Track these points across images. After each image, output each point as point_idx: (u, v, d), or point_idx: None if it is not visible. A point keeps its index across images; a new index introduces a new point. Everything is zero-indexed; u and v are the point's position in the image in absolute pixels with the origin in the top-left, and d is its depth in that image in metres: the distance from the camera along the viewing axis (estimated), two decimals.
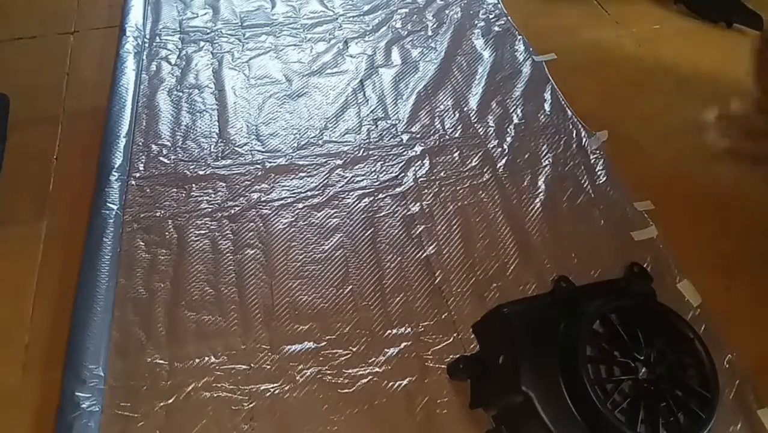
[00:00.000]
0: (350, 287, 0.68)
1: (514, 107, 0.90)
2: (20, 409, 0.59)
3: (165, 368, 0.61)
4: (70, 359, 0.61)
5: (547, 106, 0.90)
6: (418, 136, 0.86)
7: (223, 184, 0.79)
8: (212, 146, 0.84)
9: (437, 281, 0.69)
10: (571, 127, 0.87)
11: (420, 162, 0.82)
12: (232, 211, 0.76)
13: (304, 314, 0.66)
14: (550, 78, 0.95)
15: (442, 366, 0.61)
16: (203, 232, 0.74)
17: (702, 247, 0.73)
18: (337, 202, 0.77)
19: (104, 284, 0.67)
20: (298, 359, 0.62)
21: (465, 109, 0.90)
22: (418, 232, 0.74)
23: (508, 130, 0.87)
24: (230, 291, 0.68)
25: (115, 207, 0.74)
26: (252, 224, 0.75)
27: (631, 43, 1.03)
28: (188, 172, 0.81)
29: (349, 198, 0.77)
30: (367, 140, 0.85)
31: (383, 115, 0.89)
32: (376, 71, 0.97)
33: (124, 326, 0.64)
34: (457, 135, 0.86)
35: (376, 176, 0.80)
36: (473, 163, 0.82)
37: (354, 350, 0.63)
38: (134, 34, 1.01)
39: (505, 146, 0.84)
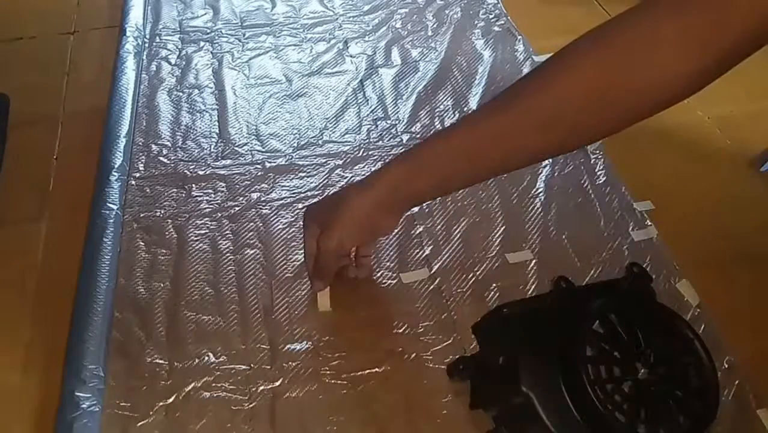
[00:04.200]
0: (350, 287, 0.68)
1: None
2: (20, 409, 0.59)
3: (165, 368, 0.61)
4: (70, 359, 0.61)
5: None
6: (418, 136, 0.86)
7: (223, 185, 0.79)
8: (212, 146, 0.84)
9: (437, 281, 0.69)
10: None
11: None
12: (232, 211, 0.76)
13: (304, 314, 0.66)
14: None
15: (442, 366, 0.61)
16: (203, 232, 0.74)
17: (702, 247, 0.73)
18: None
19: (104, 284, 0.67)
20: (298, 359, 0.62)
21: (465, 109, 0.90)
22: (418, 232, 0.74)
23: None
24: (230, 291, 0.68)
25: (115, 207, 0.74)
26: (252, 224, 0.75)
27: None
28: (188, 172, 0.81)
29: None
30: (367, 140, 0.85)
31: (383, 115, 0.89)
32: (376, 71, 0.97)
33: (124, 326, 0.64)
34: None
35: None
36: None
37: (354, 350, 0.63)
38: (134, 34, 1.01)
39: None
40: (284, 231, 0.74)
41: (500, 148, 0.50)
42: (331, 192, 0.78)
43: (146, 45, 1.01)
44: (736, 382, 0.61)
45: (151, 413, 0.58)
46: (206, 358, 0.62)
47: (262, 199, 0.78)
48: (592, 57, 0.47)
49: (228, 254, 0.71)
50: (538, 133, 0.48)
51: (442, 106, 0.91)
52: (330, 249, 0.58)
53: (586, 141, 0.60)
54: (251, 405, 0.59)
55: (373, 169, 0.81)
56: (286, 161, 0.82)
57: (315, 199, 0.77)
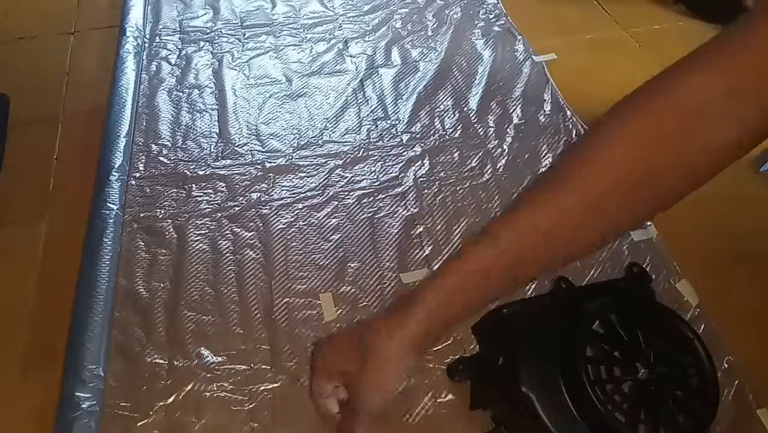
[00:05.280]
0: (350, 287, 0.68)
1: (514, 107, 0.90)
2: (20, 409, 0.59)
3: (165, 368, 0.61)
4: (70, 359, 0.61)
5: (547, 106, 0.90)
6: (418, 136, 0.86)
7: (223, 185, 0.79)
8: (212, 146, 0.84)
9: None
10: (571, 127, 0.87)
11: (420, 162, 0.82)
12: (232, 212, 0.76)
13: (303, 314, 0.66)
14: (550, 78, 0.95)
15: (442, 366, 0.61)
16: (203, 232, 0.74)
17: (701, 247, 0.73)
18: (336, 202, 0.77)
19: (104, 284, 0.67)
20: (298, 359, 0.62)
21: (465, 109, 0.90)
22: (418, 232, 0.74)
23: (508, 130, 0.87)
24: (230, 291, 0.68)
25: (115, 207, 0.74)
26: (252, 224, 0.75)
27: (631, 43, 1.03)
28: (188, 172, 0.81)
29: (349, 198, 0.77)
30: (367, 140, 0.85)
31: (383, 115, 0.89)
32: (376, 71, 0.97)
33: (124, 326, 0.64)
34: (457, 135, 0.86)
35: (376, 176, 0.80)
36: (473, 164, 0.82)
37: None
38: (134, 34, 1.01)
39: (505, 146, 0.84)
40: (284, 231, 0.74)
41: (551, 246, 0.42)
42: (331, 192, 0.78)
43: (146, 45, 1.01)
44: (736, 382, 0.61)
45: (151, 413, 0.58)
46: (206, 358, 0.62)
47: (262, 199, 0.78)
48: (632, 137, 0.40)
49: (228, 254, 0.71)
50: (588, 227, 0.41)
51: (442, 106, 0.91)
52: (371, 414, 0.46)
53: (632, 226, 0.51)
54: (251, 405, 0.59)
55: (372, 169, 0.81)
56: (286, 161, 0.82)
57: (315, 200, 0.77)
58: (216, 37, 1.03)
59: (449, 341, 0.63)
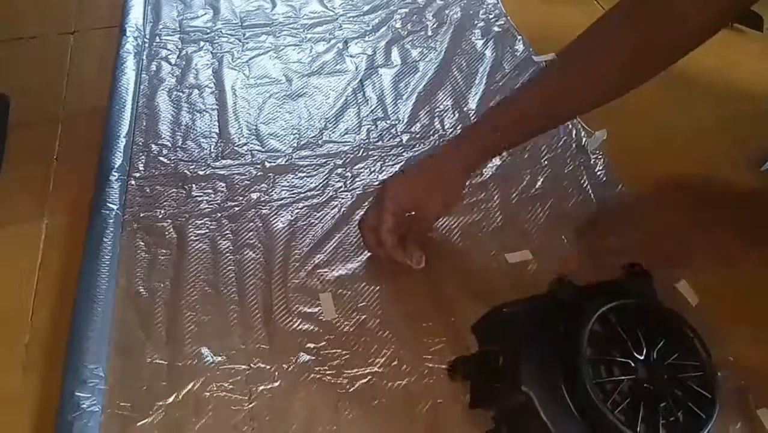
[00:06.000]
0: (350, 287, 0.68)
1: None
2: (20, 409, 0.59)
3: (165, 368, 0.61)
4: (70, 359, 0.61)
5: None
6: (418, 136, 0.86)
7: (223, 185, 0.79)
8: (212, 146, 0.84)
9: (438, 281, 0.69)
10: (570, 126, 0.87)
11: None
12: (232, 211, 0.76)
13: (303, 313, 0.66)
14: None
15: (442, 366, 0.61)
16: (203, 232, 0.74)
17: None
18: (336, 202, 0.77)
19: (104, 284, 0.67)
20: (298, 359, 0.62)
21: (465, 109, 0.90)
22: None
23: None
24: (230, 291, 0.68)
25: (115, 207, 0.74)
26: (251, 224, 0.75)
27: None
28: (188, 172, 0.81)
29: (349, 198, 0.77)
30: (367, 140, 0.85)
31: (383, 115, 0.89)
32: (376, 71, 0.97)
33: (124, 326, 0.64)
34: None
35: (376, 176, 0.80)
36: None
37: (354, 350, 0.63)
38: (134, 34, 1.01)
39: None
40: (284, 231, 0.74)
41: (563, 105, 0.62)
42: (330, 192, 0.78)
43: (146, 45, 1.01)
44: (736, 382, 0.61)
45: (150, 413, 0.58)
46: (206, 358, 0.62)
47: (262, 199, 0.78)
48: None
49: (228, 254, 0.71)
50: (590, 89, 0.61)
51: (441, 106, 0.91)
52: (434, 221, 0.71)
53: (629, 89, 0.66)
54: (251, 405, 0.59)
55: (372, 169, 0.81)
56: (285, 161, 0.82)
57: (315, 200, 0.77)
58: (216, 37, 1.03)
59: (449, 341, 0.63)
